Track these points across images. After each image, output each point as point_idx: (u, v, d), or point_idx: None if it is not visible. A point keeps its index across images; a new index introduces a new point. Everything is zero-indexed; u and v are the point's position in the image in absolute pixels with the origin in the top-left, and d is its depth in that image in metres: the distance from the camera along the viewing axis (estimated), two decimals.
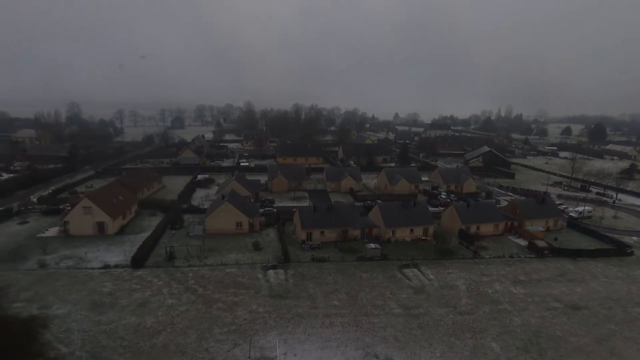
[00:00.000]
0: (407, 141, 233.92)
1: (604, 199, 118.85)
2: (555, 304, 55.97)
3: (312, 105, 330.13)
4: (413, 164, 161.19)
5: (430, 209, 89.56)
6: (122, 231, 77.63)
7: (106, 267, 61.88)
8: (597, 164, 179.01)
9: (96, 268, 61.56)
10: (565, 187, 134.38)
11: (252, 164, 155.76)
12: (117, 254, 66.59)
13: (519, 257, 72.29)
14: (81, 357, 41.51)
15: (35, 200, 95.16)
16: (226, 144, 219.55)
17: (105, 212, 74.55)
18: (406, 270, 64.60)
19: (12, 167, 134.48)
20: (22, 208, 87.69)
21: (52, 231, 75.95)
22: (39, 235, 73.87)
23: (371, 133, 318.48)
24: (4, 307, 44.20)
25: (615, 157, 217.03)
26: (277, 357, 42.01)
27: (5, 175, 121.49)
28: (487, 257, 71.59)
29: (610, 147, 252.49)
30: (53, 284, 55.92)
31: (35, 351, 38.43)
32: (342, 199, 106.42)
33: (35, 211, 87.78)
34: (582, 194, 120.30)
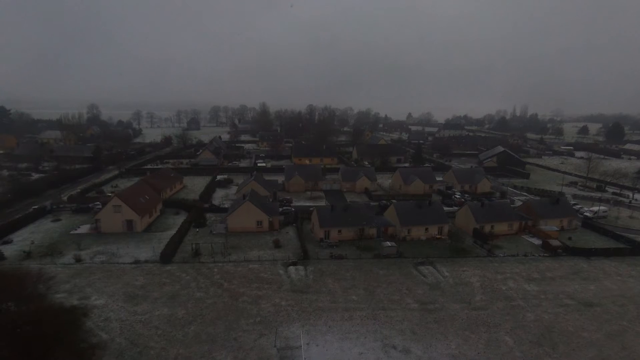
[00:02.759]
0: (421, 141, 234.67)
1: (620, 199, 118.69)
2: (568, 300, 57.54)
3: (326, 106, 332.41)
4: (427, 165, 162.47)
5: (445, 208, 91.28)
6: (149, 229, 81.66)
7: (137, 262, 65.74)
8: (613, 164, 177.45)
9: (128, 263, 65.49)
10: (581, 187, 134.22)
11: (269, 165, 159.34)
12: (146, 250, 70.44)
13: (533, 255, 73.76)
14: (121, 344, 45.03)
15: (65, 199, 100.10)
16: (242, 145, 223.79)
17: (134, 210, 78.60)
18: (421, 268, 66.81)
19: (40, 168, 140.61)
20: (55, 206, 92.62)
21: (84, 228, 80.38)
22: (72, 232, 78.41)
23: (384, 133, 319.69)
24: (49, 298, 48.12)
25: (632, 157, 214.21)
26: (301, 346, 44.81)
27: (35, 175, 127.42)
28: (501, 255, 73.25)
29: (628, 146, 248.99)
30: (89, 277, 59.94)
31: (79, 337, 42.10)
32: (357, 199, 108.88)
33: (67, 209, 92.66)
34: (598, 194, 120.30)
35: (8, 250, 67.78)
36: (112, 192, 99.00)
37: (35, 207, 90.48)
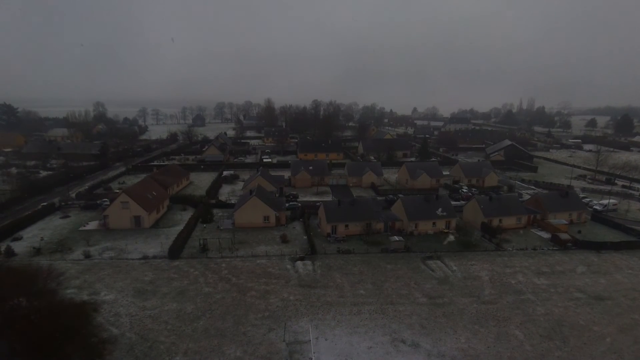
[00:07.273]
0: (427, 135, 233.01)
1: (630, 191, 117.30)
2: (579, 294, 57.00)
3: (331, 101, 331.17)
4: (433, 159, 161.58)
5: (452, 202, 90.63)
6: (156, 225, 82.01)
7: (145, 258, 66.09)
8: (623, 157, 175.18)
9: (136, 259, 65.86)
10: (590, 181, 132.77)
11: (275, 160, 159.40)
12: (154, 246, 70.79)
13: (542, 249, 73.13)
14: (131, 338, 45.34)
15: (73, 196, 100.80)
16: (248, 141, 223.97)
17: (142, 206, 78.94)
18: (429, 262, 66.50)
19: (48, 165, 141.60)
20: (63, 203, 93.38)
21: (93, 225, 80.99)
22: (81, 229, 78.99)
23: (389, 128, 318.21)
24: (59, 293, 48.49)
25: None
26: (310, 340, 44.82)
27: (44, 173, 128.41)
28: (510, 249, 72.69)
29: (637, 138, 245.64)
30: (99, 273, 60.36)
31: (90, 332, 42.39)
32: (364, 194, 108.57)
33: (75, 206, 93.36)
34: (607, 187, 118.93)
35: (18, 247, 68.37)
36: (119, 189, 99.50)
37: (44, 204, 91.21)
